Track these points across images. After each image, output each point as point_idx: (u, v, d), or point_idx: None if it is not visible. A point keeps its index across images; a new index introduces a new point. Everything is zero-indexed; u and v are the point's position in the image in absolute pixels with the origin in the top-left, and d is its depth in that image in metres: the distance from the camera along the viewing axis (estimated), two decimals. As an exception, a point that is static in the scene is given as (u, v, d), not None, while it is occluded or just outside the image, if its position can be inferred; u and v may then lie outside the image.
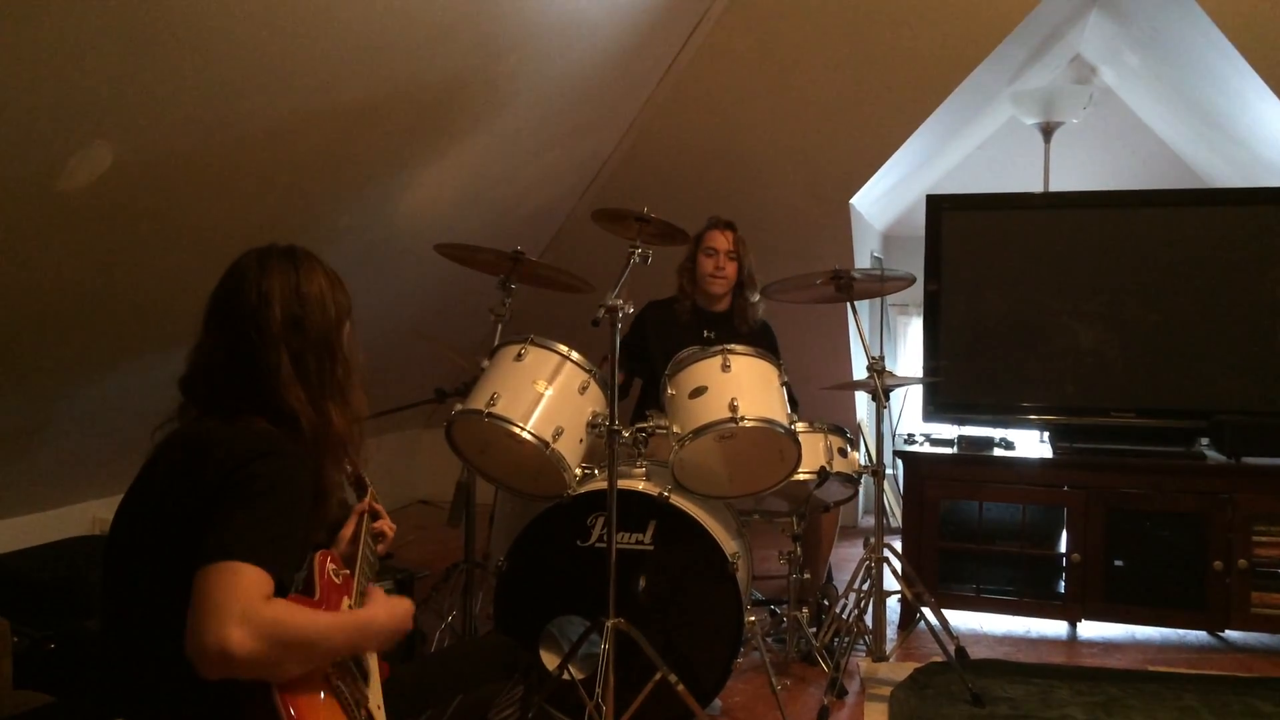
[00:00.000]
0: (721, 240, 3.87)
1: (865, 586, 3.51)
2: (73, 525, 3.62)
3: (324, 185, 3.32)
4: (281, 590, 1.51)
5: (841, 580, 3.99)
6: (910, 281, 3.56)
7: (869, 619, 3.45)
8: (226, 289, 1.74)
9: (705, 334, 3.92)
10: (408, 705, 1.85)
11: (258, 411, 1.67)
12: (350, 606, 1.77)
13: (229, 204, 2.98)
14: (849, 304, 3.61)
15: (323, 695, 1.57)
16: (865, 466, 3.57)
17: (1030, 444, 4.25)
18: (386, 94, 3.10)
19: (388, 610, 1.75)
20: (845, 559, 4.90)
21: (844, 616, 3.57)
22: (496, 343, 3.30)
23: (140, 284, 2.94)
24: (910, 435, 4.36)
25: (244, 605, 1.41)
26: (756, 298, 3.93)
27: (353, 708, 1.62)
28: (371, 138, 3.29)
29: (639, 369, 4.00)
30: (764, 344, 3.91)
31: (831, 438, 3.49)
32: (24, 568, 2.99)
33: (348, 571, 1.84)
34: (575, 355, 3.14)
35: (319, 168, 3.20)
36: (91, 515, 3.73)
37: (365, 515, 2.03)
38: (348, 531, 1.98)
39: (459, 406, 3.09)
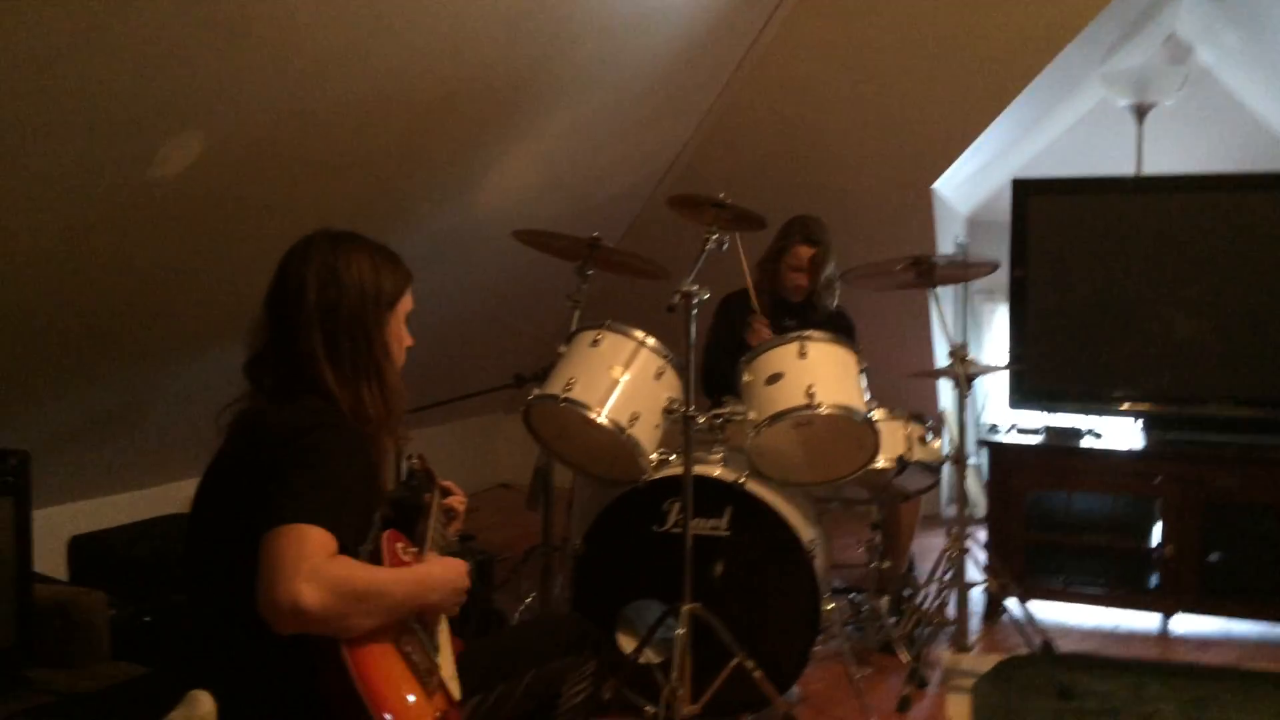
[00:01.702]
0: (804, 256, 3.82)
1: (947, 576, 3.46)
2: (169, 503, 3.74)
3: (404, 172, 3.37)
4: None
5: (924, 571, 3.94)
6: (993, 267, 3.49)
7: (951, 609, 3.39)
8: (276, 274, 1.80)
9: (786, 322, 3.90)
10: (480, 679, 1.88)
11: (309, 391, 1.72)
12: None
13: (313, 191, 3.05)
14: (930, 290, 3.54)
15: (393, 659, 1.62)
16: (947, 455, 3.51)
17: (1120, 433, 4.12)
18: (465, 80, 3.14)
19: (443, 565, 1.80)
20: (928, 549, 4.81)
21: (925, 607, 3.51)
22: (573, 329, 3.32)
23: (229, 270, 3.02)
24: (995, 425, 4.27)
25: (311, 562, 1.47)
26: (834, 300, 3.89)
27: (424, 675, 1.65)
28: (450, 124, 3.33)
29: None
30: (843, 330, 3.87)
31: (911, 425, 3.43)
32: (122, 543, 3.12)
33: (416, 550, 1.88)
34: (651, 341, 3.13)
35: (399, 154, 3.26)
36: (186, 493, 3.86)
37: (436, 494, 2.07)
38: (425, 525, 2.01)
39: (536, 391, 3.11)
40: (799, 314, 3.90)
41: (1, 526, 2.39)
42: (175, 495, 3.83)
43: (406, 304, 1.88)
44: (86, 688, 2.43)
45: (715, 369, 3.93)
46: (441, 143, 3.40)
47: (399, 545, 1.84)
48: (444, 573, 1.78)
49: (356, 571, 1.56)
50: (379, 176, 3.29)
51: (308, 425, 1.65)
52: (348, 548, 1.56)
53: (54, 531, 3.16)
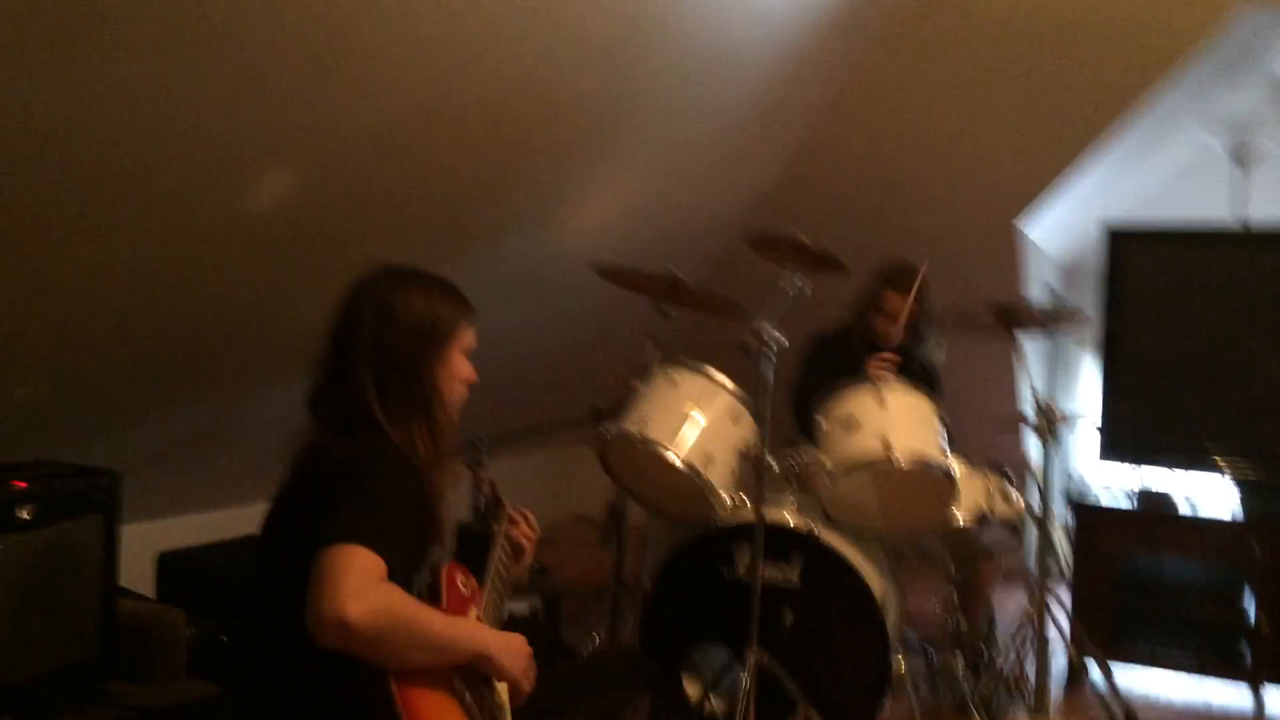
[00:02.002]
0: (898, 305, 3.70)
1: (1027, 638, 3.35)
2: (250, 523, 3.83)
3: (490, 203, 3.43)
4: (404, 589, 1.60)
5: (1004, 628, 3.82)
6: (1080, 316, 3.40)
7: (1030, 673, 3.29)
8: (338, 308, 1.84)
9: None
10: (537, 712, 1.88)
11: (364, 424, 1.76)
12: (478, 617, 1.84)
13: (401, 222, 3.12)
14: (1014, 339, 3.45)
15: (441, 695, 1.63)
16: (1030, 511, 3.42)
17: (1214, 495, 3.96)
18: (551, 112, 3.18)
19: (502, 634, 1.78)
20: (1009, 605, 4.68)
21: (1003, 668, 3.41)
22: (651, 366, 3.32)
23: (318, 300, 3.09)
24: (1083, 479, 4.14)
25: (359, 581, 1.50)
26: (931, 343, 3.81)
27: (474, 711, 1.66)
28: (536, 156, 3.38)
29: None
30: (931, 384, 3.78)
31: (992, 479, 3.35)
32: (209, 560, 3.19)
33: (476, 583, 1.89)
34: (729, 383, 3.12)
35: (484, 186, 3.32)
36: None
37: (503, 524, 2.09)
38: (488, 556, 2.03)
39: (612, 429, 3.12)
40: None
41: (90, 543, 2.47)
42: (256, 516, 3.92)
43: (466, 340, 1.89)
44: (161, 704, 2.48)
45: (809, 409, 3.87)
46: (527, 174, 3.45)
47: (459, 577, 1.87)
48: (498, 641, 1.75)
49: (403, 599, 1.57)
50: (465, 207, 3.35)
51: (364, 455, 1.69)
52: (398, 574, 1.59)
53: (144, 546, 3.26)
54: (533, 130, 3.21)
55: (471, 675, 1.71)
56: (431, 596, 1.78)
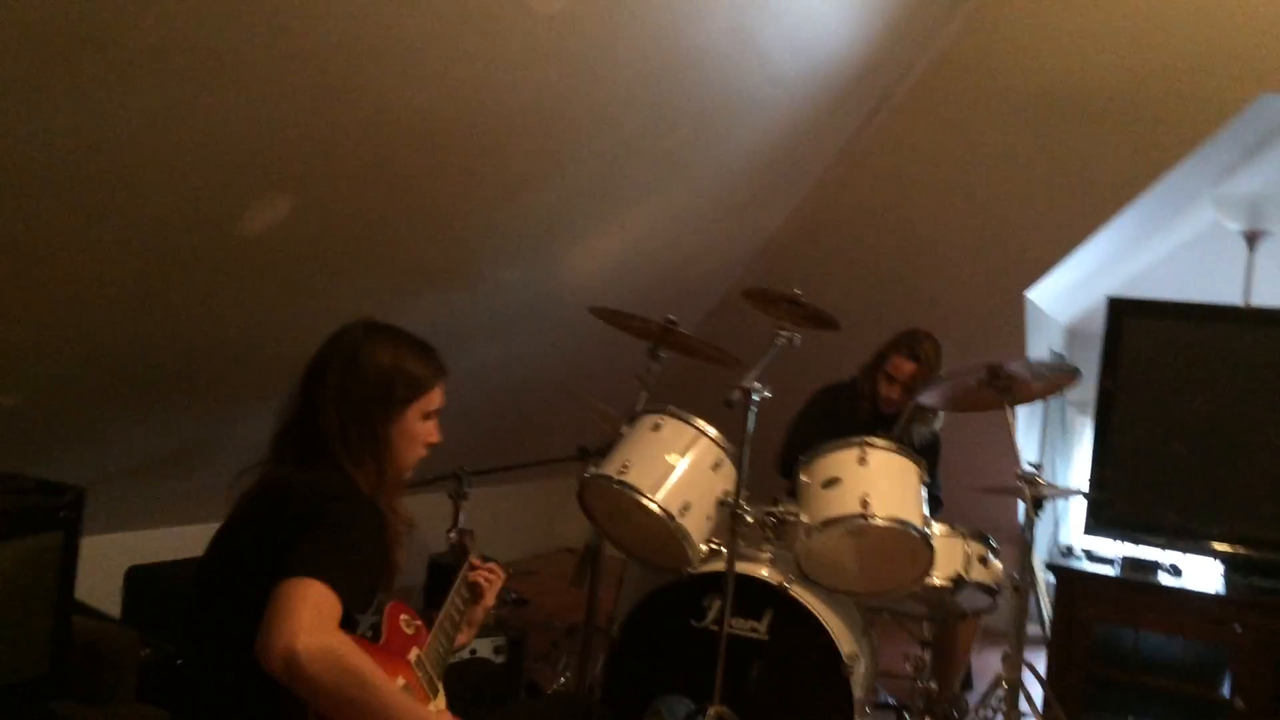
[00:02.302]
0: (904, 371, 3.74)
1: (998, 703, 3.33)
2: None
3: (490, 239, 3.45)
4: (349, 627, 1.63)
5: (982, 686, 3.79)
6: (1073, 377, 3.39)
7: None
8: (315, 353, 1.89)
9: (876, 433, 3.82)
10: None
11: (328, 465, 1.79)
12: (419, 656, 1.87)
13: (395, 256, 3.13)
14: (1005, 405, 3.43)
15: None
16: (1009, 578, 3.39)
17: (1200, 573, 3.93)
18: (555, 161, 3.20)
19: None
20: (988, 665, 4.65)
21: (973, 732, 3.38)
22: (638, 410, 3.32)
23: (305, 323, 3.11)
24: (1069, 548, 4.12)
25: (313, 617, 1.53)
26: (926, 420, 3.80)
27: None
28: (540, 195, 3.40)
29: None
30: (929, 453, 3.77)
31: (972, 544, 3.33)
32: (176, 577, 3.17)
33: (421, 623, 1.91)
34: (711, 431, 3.12)
35: (486, 222, 3.34)
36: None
37: (464, 570, 2.10)
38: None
39: (592, 469, 3.12)
40: (892, 427, 3.82)
41: (48, 559, 2.46)
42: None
43: (431, 403, 1.92)
44: (102, 728, 2.45)
45: (796, 456, 3.87)
46: (528, 212, 3.47)
47: (403, 617, 1.90)
48: None
49: (356, 653, 1.58)
50: (464, 242, 3.37)
51: (332, 493, 1.73)
52: (351, 612, 1.62)
53: (115, 558, 3.27)
54: (538, 169, 3.23)
55: None
56: (373, 633, 1.82)
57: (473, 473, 3.57)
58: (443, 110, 2.66)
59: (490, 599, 2.19)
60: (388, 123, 2.59)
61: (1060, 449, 5.78)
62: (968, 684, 4.38)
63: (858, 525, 2.94)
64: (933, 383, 3.62)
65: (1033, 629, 4.92)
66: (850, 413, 3.86)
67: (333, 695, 1.54)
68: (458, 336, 3.88)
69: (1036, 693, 3.70)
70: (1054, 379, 3.45)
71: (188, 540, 3.67)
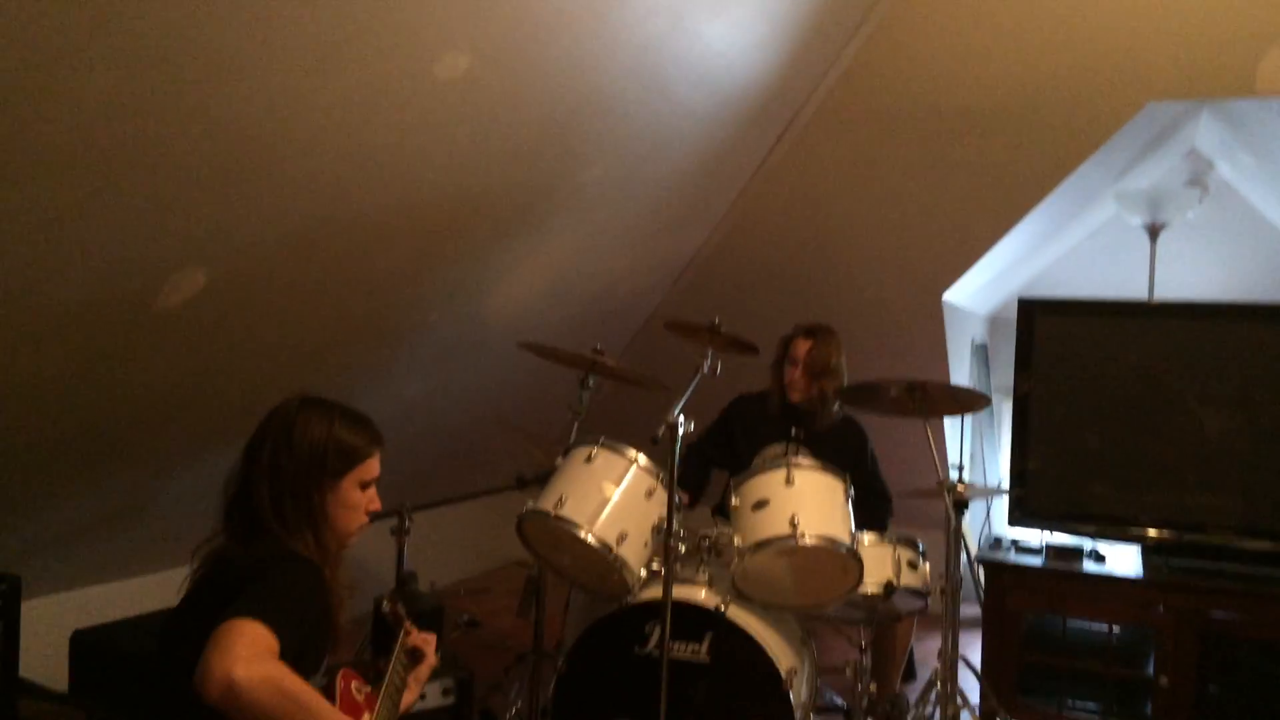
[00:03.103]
0: (802, 349, 3.86)
1: (934, 696, 3.46)
2: (165, 593, 3.83)
3: (408, 291, 3.49)
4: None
5: (925, 676, 3.92)
6: (987, 402, 3.53)
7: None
8: (254, 430, 1.94)
9: (794, 431, 3.94)
10: None
11: (267, 535, 1.86)
12: None
13: (317, 314, 3.18)
14: (924, 416, 3.56)
15: None
16: (938, 579, 3.52)
17: (1122, 558, 4.11)
18: (469, 208, 3.27)
19: None
20: (931, 652, 4.79)
21: (914, 728, 3.52)
22: (571, 440, 3.40)
23: (230, 385, 3.16)
24: (999, 540, 4.27)
25: (250, 649, 1.59)
26: (835, 404, 3.93)
27: None
28: (460, 241, 3.46)
29: (716, 461, 4.04)
30: (852, 442, 3.90)
31: (901, 550, 3.45)
32: (124, 638, 3.16)
33: (370, 690, 1.96)
34: (644, 459, 3.20)
35: (402, 278, 3.38)
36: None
37: (401, 637, 2.16)
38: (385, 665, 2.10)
39: (529, 504, 3.19)
40: (807, 421, 3.94)
41: (-12, 650, 2.47)
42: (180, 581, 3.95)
43: (368, 471, 1.98)
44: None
45: (690, 460, 3.98)
46: (451, 259, 3.52)
47: (354, 684, 1.96)
48: None
49: (293, 677, 1.64)
50: (384, 294, 3.41)
51: (272, 557, 1.80)
52: (302, 669, 1.67)
53: (57, 621, 3.28)
54: (457, 220, 3.29)
55: None
56: (325, 698, 1.84)
57: (414, 508, 3.62)
58: (355, 177, 2.71)
59: (432, 657, 2.24)
60: (302, 192, 2.63)
61: (989, 437, 5.95)
62: (911, 674, 4.54)
63: (788, 546, 3.04)
64: (839, 369, 3.80)
65: (975, 610, 5.09)
66: (761, 413, 3.97)
67: (274, 715, 1.59)
68: (388, 376, 3.92)
69: (974, 684, 3.85)
70: (967, 400, 3.58)
71: (129, 594, 3.70)
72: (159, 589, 3.83)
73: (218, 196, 2.41)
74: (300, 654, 1.72)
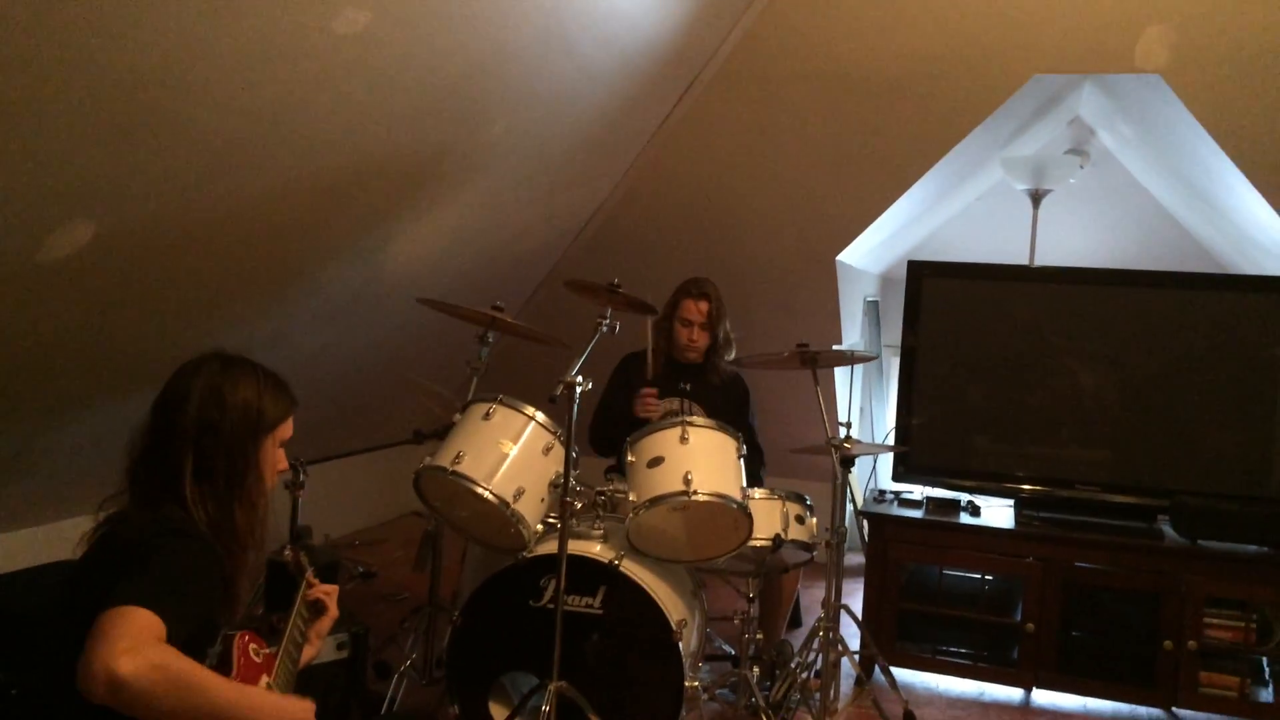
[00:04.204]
0: (695, 312, 3.95)
1: (817, 645, 3.63)
2: (64, 545, 3.75)
3: (305, 245, 3.45)
4: (196, 659, 1.66)
5: (810, 623, 4.09)
6: (874, 358, 3.65)
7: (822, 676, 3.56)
8: (165, 386, 1.91)
9: (681, 385, 4.04)
10: None
11: (174, 500, 1.83)
12: (269, 684, 1.92)
13: (208, 265, 3.12)
14: (814, 375, 3.68)
15: None
16: (823, 532, 3.67)
17: (996, 510, 4.33)
18: (368, 166, 3.24)
19: (286, 699, 1.87)
20: (816, 599, 4.99)
21: (798, 671, 3.67)
22: (470, 397, 3.42)
23: (120, 336, 3.10)
24: (882, 493, 4.45)
25: (134, 640, 1.55)
26: (730, 355, 4.02)
27: None
28: (357, 198, 3.42)
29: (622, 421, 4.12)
30: (736, 396, 4.03)
31: (789, 505, 3.57)
32: (5, 594, 3.10)
33: (270, 651, 1.98)
34: (541, 416, 3.26)
35: (299, 231, 3.34)
36: (77, 533, 3.91)
37: (302, 587, 2.17)
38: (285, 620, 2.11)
39: (426, 460, 3.21)
40: (694, 377, 4.04)
41: None
42: (72, 534, 3.87)
43: (286, 431, 2.00)
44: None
45: (603, 430, 4.07)
46: (350, 214, 3.48)
47: (252, 646, 1.94)
48: (286, 704, 1.83)
49: (180, 660, 1.61)
50: (279, 250, 3.36)
51: (161, 531, 1.76)
52: (179, 640, 1.64)
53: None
54: (351, 181, 3.26)
55: None
56: (222, 666, 1.85)
57: (309, 462, 3.61)
58: (251, 130, 2.66)
59: (334, 609, 2.26)
60: (196, 145, 2.57)
61: (877, 391, 6.15)
62: (796, 622, 4.73)
63: (681, 501, 3.13)
64: (724, 320, 3.92)
65: (859, 559, 5.30)
66: (640, 373, 4.05)
67: (166, 706, 1.57)
68: (284, 330, 3.87)
69: (855, 631, 4.03)
70: (856, 357, 3.71)
71: (15, 548, 3.62)
72: (46, 541, 3.76)
73: (108, 150, 2.35)
74: (192, 634, 1.71)
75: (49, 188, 2.33)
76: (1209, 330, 4.17)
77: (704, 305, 3.94)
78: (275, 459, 1.98)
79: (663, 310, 4.02)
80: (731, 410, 3.89)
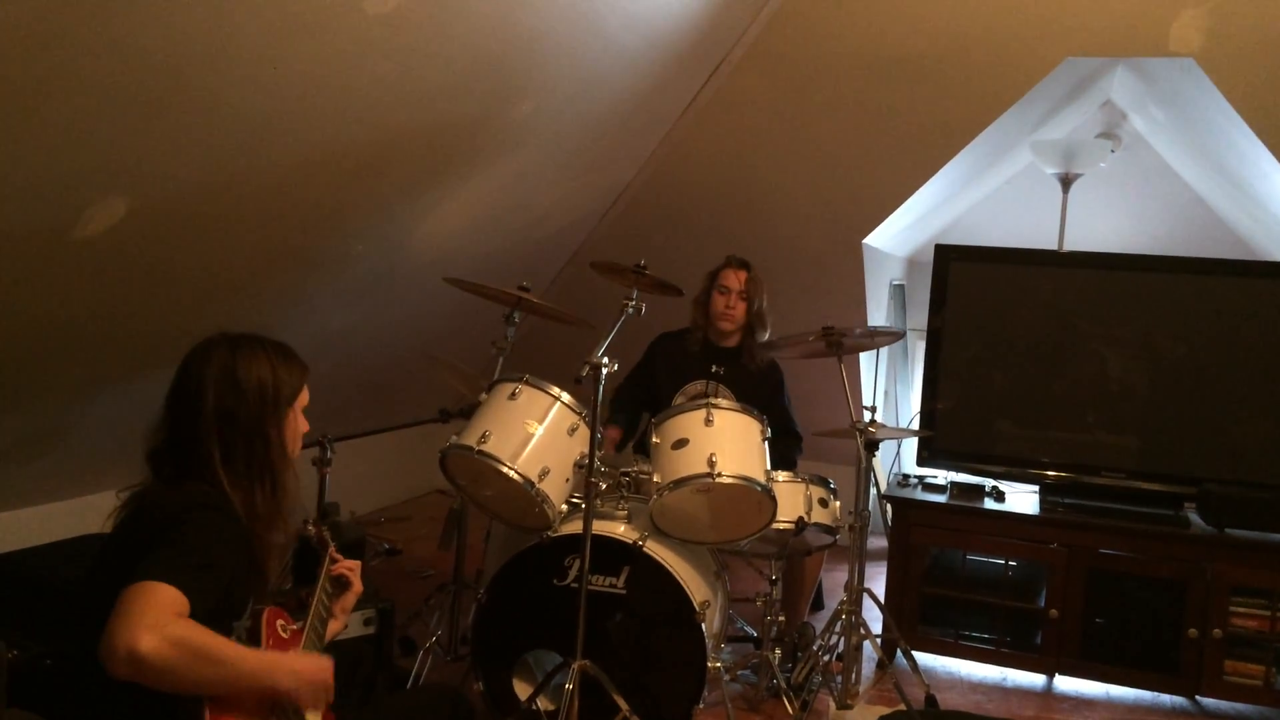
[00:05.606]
0: (734, 280, 3.97)
1: (839, 628, 3.63)
2: (80, 520, 3.80)
3: (333, 223, 3.47)
4: (223, 634, 1.69)
5: (833, 605, 4.09)
6: (899, 336, 3.63)
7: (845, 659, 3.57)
8: (177, 375, 1.92)
9: (713, 369, 4.04)
10: None
11: (199, 479, 1.85)
12: None
13: (237, 243, 3.14)
14: (839, 358, 3.67)
15: None
16: (847, 516, 3.67)
17: (1021, 496, 4.31)
18: (396, 143, 3.24)
19: (306, 659, 1.88)
20: (839, 583, 4.98)
21: (820, 654, 3.69)
22: (496, 376, 3.44)
23: (150, 313, 3.13)
24: (906, 477, 4.44)
25: (155, 615, 1.58)
26: (765, 337, 4.02)
27: None
28: (387, 176, 3.43)
29: (645, 401, 4.13)
30: (770, 383, 4.02)
31: (813, 488, 3.58)
32: (32, 567, 3.13)
33: (297, 627, 2.00)
34: (566, 397, 3.27)
35: (328, 209, 3.35)
36: (109, 507, 3.96)
37: (325, 563, 2.19)
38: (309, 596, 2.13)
39: (453, 439, 3.23)
40: (729, 360, 4.03)
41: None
42: (104, 508, 3.92)
43: (303, 399, 2.02)
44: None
45: (621, 400, 4.09)
46: (378, 192, 3.50)
47: (280, 622, 1.96)
48: (304, 665, 1.84)
49: (200, 633, 1.63)
50: (307, 227, 3.38)
51: (188, 506, 1.78)
52: (202, 614, 1.66)
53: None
54: (379, 159, 3.27)
55: (285, 704, 1.81)
56: (251, 640, 1.87)
57: (336, 439, 3.64)
58: (280, 109, 2.68)
59: (358, 584, 2.28)
60: (226, 123, 2.59)
61: (902, 375, 6.13)
62: (819, 605, 4.74)
63: (705, 483, 3.14)
64: (763, 307, 3.93)
65: (882, 542, 5.29)
66: (682, 351, 4.07)
67: (188, 679, 1.60)
68: (312, 307, 3.90)
69: (877, 614, 4.04)
70: (883, 338, 3.70)
71: (49, 521, 3.67)
72: (78, 515, 3.81)
73: (139, 126, 2.37)
74: (217, 607, 1.73)
75: (83, 164, 2.36)
76: (1239, 317, 4.12)
77: (743, 275, 3.97)
78: (298, 426, 2.01)
79: (701, 284, 4.03)
80: (763, 397, 3.87)
